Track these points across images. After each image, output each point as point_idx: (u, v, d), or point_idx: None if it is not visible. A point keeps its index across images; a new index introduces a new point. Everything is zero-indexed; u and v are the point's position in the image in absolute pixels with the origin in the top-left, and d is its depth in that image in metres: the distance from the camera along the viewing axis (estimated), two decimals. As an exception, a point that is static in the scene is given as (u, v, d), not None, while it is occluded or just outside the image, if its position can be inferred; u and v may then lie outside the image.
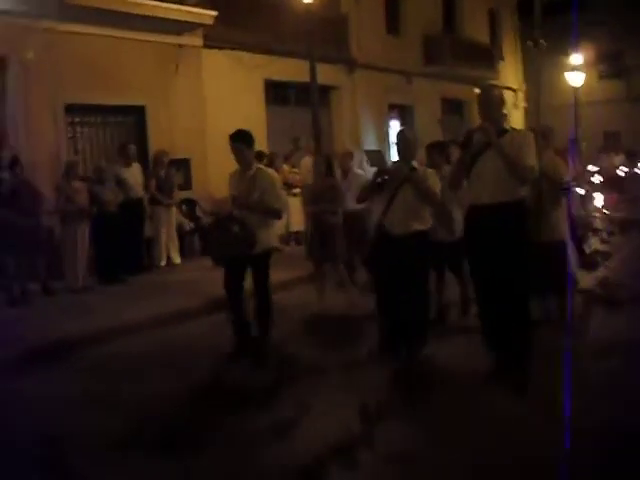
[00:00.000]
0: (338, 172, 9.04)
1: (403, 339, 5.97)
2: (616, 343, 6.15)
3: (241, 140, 6.27)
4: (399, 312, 5.96)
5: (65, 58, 11.14)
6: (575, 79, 24.68)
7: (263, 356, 6.27)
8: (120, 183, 10.20)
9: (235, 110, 13.69)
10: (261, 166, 6.60)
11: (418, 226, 5.88)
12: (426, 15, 20.84)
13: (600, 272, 9.40)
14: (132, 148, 10.80)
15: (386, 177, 5.95)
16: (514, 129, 5.78)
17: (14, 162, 8.89)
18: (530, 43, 18.77)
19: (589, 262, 9.52)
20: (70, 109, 11.42)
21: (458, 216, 6.75)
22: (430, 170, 6.25)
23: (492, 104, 5.45)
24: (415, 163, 6.08)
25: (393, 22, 19.82)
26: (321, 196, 8.09)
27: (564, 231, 6.92)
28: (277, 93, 15.93)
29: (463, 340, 6.44)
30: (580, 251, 7.93)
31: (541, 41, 18.14)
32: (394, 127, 19.52)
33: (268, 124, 15.11)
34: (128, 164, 10.63)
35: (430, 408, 4.90)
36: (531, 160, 5.24)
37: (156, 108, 12.62)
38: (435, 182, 5.94)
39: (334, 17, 16.56)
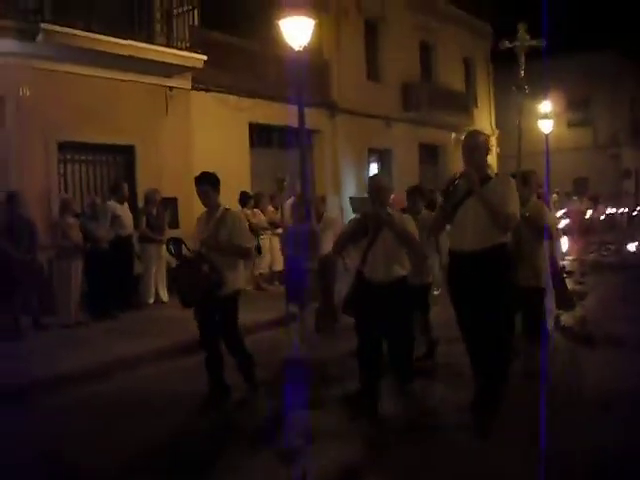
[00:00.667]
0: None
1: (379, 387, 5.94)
2: (595, 385, 6.40)
3: (206, 182, 6.32)
4: (380, 358, 5.93)
5: (59, 97, 11.42)
6: (546, 126, 25.55)
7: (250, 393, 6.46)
8: (115, 220, 10.38)
9: (221, 151, 14.06)
10: (227, 207, 6.53)
11: (399, 271, 5.83)
12: (404, 62, 21.51)
13: (577, 311, 9.77)
14: (125, 186, 11.04)
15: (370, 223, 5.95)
16: (497, 175, 5.82)
17: (11, 197, 9.06)
18: (514, 88, 19.49)
19: (567, 302, 9.88)
20: (62, 147, 11.68)
21: (433, 261, 6.97)
22: (405, 215, 6.23)
23: (477, 150, 5.45)
24: (389, 209, 6.00)
25: (373, 69, 20.46)
26: (298, 240, 8.00)
27: (544, 277, 6.83)
28: (261, 135, 16.30)
29: (450, 377, 6.70)
30: (564, 290, 8.08)
31: (525, 87, 18.88)
32: (373, 171, 20.02)
33: (252, 165, 15.48)
34: (121, 202, 10.84)
35: (417, 443, 5.11)
36: (513, 207, 5.26)
37: (145, 148, 12.92)
38: (412, 226, 5.90)
39: (317, 63, 17.07)
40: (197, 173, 12.00)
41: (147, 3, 12.54)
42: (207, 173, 6.43)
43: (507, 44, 21.18)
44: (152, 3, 12.59)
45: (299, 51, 11.16)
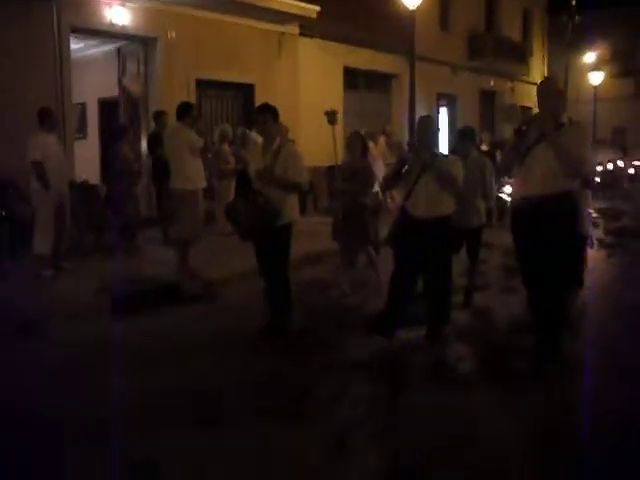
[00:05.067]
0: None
1: (399, 320, 6.05)
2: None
3: (267, 111, 6.24)
4: (411, 286, 6.08)
5: (198, 40, 13.35)
6: (595, 78, 27.05)
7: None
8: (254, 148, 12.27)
9: (321, 91, 16.02)
10: (285, 141, 6.37)
11: (439, 211, 5.89)
12: (471, 14, 23.04)
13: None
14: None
15: (407, 167, 5.96)
16: (572, 122, 5.51)
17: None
18: (565, 18, 21.09)
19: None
20: (199, 83, 13.64)
21: (481, 205, 7.21)
22: (453, 157, 6.26)
23: (551, 95, 5.37)
24: (436, 150, 6.10)
25: (444, 19, 22.07)
26: (354, 176, 7.86)
27: (588, 226, 7.25)
28: (352, 78, 18.19)
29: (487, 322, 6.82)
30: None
31: (577, 17, 20.43)
32: (442, 113, 21.81)
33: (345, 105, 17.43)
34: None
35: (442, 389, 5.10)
36: (586, 154, 5.22)
37: (263, 86, 14.91)
38: (458, 169, 5.90)
39: (401, 13, 18.69)
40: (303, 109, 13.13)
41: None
42: (268, 104, 6.39)
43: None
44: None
45: (412, 10, 12.96)
